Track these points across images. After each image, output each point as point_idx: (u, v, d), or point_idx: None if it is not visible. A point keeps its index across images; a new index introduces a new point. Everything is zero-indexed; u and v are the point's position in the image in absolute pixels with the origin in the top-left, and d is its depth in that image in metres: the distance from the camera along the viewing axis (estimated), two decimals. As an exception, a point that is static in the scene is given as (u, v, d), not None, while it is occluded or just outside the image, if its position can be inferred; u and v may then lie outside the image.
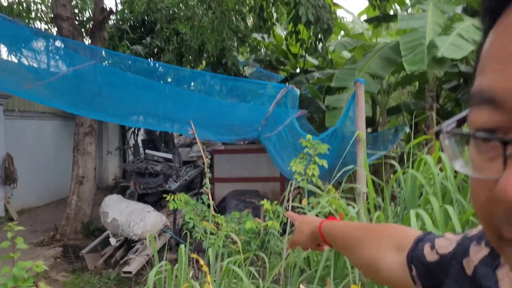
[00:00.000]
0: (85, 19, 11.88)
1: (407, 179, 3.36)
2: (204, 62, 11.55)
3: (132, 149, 11.53)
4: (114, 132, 14.80)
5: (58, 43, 7.43)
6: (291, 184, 5.01)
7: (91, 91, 7.22)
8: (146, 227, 6.80)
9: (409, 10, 9.56)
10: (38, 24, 12.63)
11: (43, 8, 12.69)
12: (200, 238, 4.68)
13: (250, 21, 11.12)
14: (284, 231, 4.82)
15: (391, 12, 12.10)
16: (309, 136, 5.00)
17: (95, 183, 8.63)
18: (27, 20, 12.16)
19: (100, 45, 8.51)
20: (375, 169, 7.34)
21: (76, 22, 12.05)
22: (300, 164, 4.85)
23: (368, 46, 9.59)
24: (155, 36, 11.19)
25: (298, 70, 11.74)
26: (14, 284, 3.17)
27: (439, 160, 3.31)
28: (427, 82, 7.95)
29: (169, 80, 7.80)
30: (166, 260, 3.28)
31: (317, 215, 3.44)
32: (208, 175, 5.40)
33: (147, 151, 8.95)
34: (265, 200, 4.87)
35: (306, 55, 10.86)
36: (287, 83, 5.62)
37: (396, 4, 12.11)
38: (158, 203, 8.34)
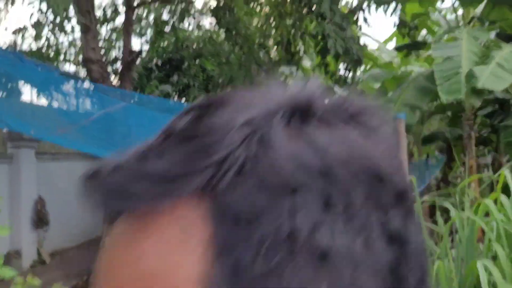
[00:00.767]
0: (111, 59, 12.04)
1: (463, 223, 3.12)
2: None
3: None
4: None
5: (88, 86, 7.51)
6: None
7: (122, 133, 7.21)
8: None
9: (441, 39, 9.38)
10: (67, 67, 12.85)
11: (72, 50, 12.96)
12: None
13: (274, 53, 11.10)
14: None
15: (419, 38, 11.94)
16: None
17: (127, 224, 8.52)
18: (56, 63, 12.43)
19: (129, 86, 8.56)
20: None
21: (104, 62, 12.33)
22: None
23: (399, 77, 9.42)
24: (181, 74, 11.27)
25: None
26: None
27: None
28: (463, 110, 7.69)
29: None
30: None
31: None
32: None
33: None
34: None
35: (335, 87, 10.74)
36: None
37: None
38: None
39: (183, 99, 11.26)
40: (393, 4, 9.08)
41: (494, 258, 3.07)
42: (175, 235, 0.28)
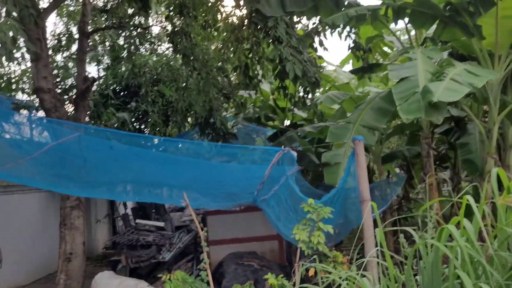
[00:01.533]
0: (67, 87, 11.71)
1: (426, 249, 3.08)
2: (190, 122, 11.38)
3: (122, 218, 11.08)
4: (103, 199, 14.37)
5: (40, 117, 7.21)
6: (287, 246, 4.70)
7: (76, 164, 6.90)
8: (141, 306, 6.35)
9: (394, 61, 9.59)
10: (21, 96, 12.41)
11: (25, 79, 12.55)
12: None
13: (233, 77, 11.07)
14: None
15: (374, 60, 12.19)
16: (311, 200, 4.72)
17: (85, 258, 8.15)
18: (8, 93, 11.99)
19: (83, 114, 8.30)
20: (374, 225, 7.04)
21: (59, 91, 11.98)
22: (304, 231, 4.55)
23: (357, 98, 9.52)
24: (139, 100, 11.05)
25: (287, 123, 11.61)
26: None
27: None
28: (420, 129, 7.80)
29: (156, 142, 7.55)
30: None
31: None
32: (206, 249, 5.06)
33: (137, 220, 8.55)
34: (269, 274, 4.50)
35: (295, 109, 10.77)
36: (283, 146, 5.39)
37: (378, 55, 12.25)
38: (151, 274, 7.88)
39: (142, 126, 11.05)
40: (347, 28, 9.24)
41: (462, 286, 3.02)
42: None
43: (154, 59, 12.18)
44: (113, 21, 9.84)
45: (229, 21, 9.24)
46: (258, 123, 11.33)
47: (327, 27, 9.17)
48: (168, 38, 8.97)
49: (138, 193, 7.28)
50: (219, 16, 9.45)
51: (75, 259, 7.87)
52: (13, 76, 12.50)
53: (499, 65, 6.97)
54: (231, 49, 8.69)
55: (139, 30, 10.06)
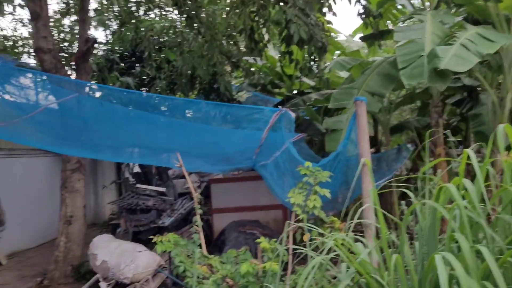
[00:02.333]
0: (72, 51, 11.53)
1: (424, 210, 2.88)
2: (197, 89, 11.17)
3: (122, 183, 10.99)
4: (110, 165, 14.33)
5: (39, 77, 7.03)
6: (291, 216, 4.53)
7: (76, 126, 6.76)
8: (137, 269, 6.27)
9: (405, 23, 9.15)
10: (24, 58, 12.27)
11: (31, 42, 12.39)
12: (192, 285, 4.15)
13: (242, 46, 10.77)
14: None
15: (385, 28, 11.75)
16: (308, 163, 4.52)
17: (85, 222, 8.11)
18: (15, 55, 11.87)
19: (85, 77, 8.11)
20: (381, 195, 6.84)
21: (66, 55, 11.80)
22: (300, 194, 4.37)
23: (366, 64, 9.18)
24: (145, 65, 10.84)
25: (294, 92, 11.32)
26: None
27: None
28: (431, 98, 7.50)
29: (162, 108, 7.36)
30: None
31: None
32: (199, 211, 4.92)
33: (138, 185, 8.44)
34: (262, 237, 4.35)
35: (302, 76, 10.47)
36: (280, 107, 5.16)
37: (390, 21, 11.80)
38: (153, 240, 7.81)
39: (145, 91, 10.84)
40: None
41: (459, 249, 2.83)
42: None
43: (160, 24, 11.90)
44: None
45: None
46: (263, 91, 11.08)
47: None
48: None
49: (142, 155, 7.13)
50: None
51: (75, 222, 7.84)
52: (19, 39, 12.37)
53: (516, 29, 6.62)
54: (236, 12, 8.38)
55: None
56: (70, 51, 11.98)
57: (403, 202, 4.51)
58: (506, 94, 6.59)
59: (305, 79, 11.05)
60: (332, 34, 11.15)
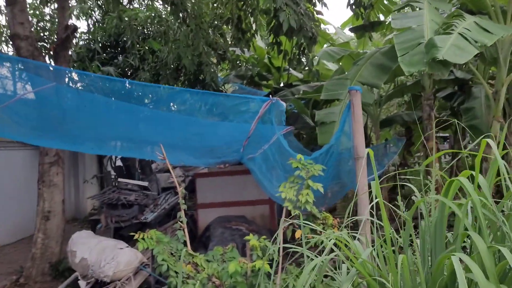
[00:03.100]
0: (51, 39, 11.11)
1: (427, 206, 2.65)
2: (181, 80, 10.85)
3: (103, 177, 10.62)
4: (92, 158, 13.91)
5: (15, 64, 6.66)
6: (280, 211, 4.29)
7: (55, 117, 6.40)
8: (118, 267, 5.96)
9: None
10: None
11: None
12: (176, 285, 3.88)
13: (229, 37, 10.48)
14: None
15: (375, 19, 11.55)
16: (299, 156, 4.27)
17: (64, 217, 7.76)
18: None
19: (64, 65, 7.73)
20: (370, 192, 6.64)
21: (47, 45, 11.37)
22: (291, 189, 4.12)
23: (356, 55, 8.95)
24: (128, 56, 10.48)
25: (282, 85, 11.07)
26: None
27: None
28: (423, 90, 7.30)
29: (146, 101, 7.04)
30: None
31: (317, 256, 2.67)
32: (184, 207, 4.64)
33: (119, 179, 8.11)
34: (251, 235, 4.09)
35: (290, 68, 10.21)
36: (270, 96, 4.89)
37: (380, 13, 11.60)
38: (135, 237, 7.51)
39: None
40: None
41: (464, 249, 2.61)
42: None
43: (144, 14, 11.53)
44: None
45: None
46: (251, 82, 10.80)
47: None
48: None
49: (124, 148, 6.80)
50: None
51: (53, 217, 7.50)
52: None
53: (512, 22, 6.44)
54: (223, 0, 8.08)
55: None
56: (50, 40, 11.56)
57: (398, 197, 4.28)
58: (501, 87, 6.42)
59: (293, 72, 10.80)
60: (322, 25, 10.91)
